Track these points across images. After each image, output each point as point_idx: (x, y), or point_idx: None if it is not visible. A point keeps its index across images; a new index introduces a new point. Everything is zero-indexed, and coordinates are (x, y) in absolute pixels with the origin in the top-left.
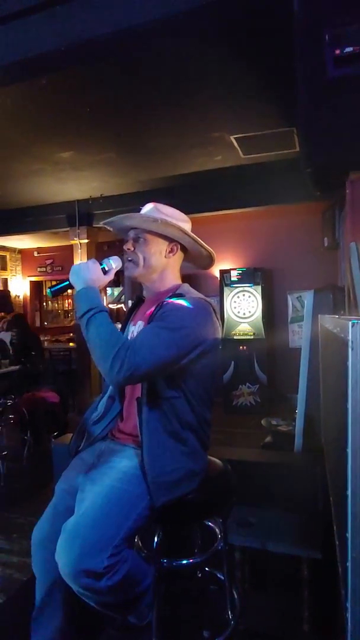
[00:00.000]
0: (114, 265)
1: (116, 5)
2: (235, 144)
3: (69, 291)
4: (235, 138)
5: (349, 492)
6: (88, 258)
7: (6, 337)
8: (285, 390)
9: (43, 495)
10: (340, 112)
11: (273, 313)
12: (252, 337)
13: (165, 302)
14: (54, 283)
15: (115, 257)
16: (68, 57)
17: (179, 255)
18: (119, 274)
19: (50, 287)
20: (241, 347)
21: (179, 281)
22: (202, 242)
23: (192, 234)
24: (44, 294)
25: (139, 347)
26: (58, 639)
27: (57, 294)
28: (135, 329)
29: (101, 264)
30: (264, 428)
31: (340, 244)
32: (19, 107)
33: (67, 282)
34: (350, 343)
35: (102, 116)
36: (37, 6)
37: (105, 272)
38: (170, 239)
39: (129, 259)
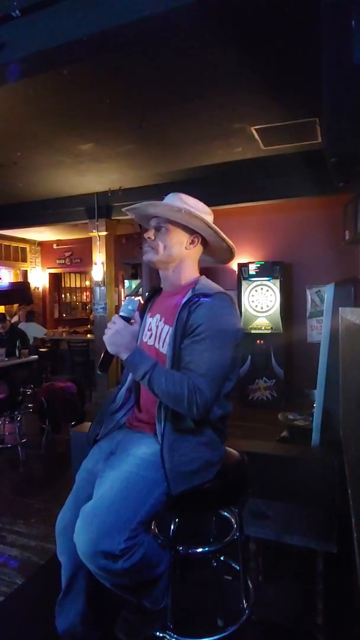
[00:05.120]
0: (131, 308)
1: None
2: (256, 135)
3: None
4: (256, 129)
5: None
6: (107, 250)
7: (24, 327)
8: (302, 385)
9: (61, 482)
10: None
11: (291, 307)
12: (269, 331)
13: (190, 303)
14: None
15: (130, 299)
16: (89, 48)
17: (199, 248)
18: (137, 267)
19: (99, 369)
20: (258, 341)
21: (197, 274)
22: (224, 235)
23: (215, 227)
24: (63, 286)
25: (202, 384)
26: (79, 622)
27: (107, 368)
28: (153, 321)
29: (122, 315)
30: (280, 423)
31: None
32: (41, 99)
33: (110, 355)
34: None
35: (123, 107)
36: None
37: (129, 320)
38: (191, 231)
39: (149, 246)
